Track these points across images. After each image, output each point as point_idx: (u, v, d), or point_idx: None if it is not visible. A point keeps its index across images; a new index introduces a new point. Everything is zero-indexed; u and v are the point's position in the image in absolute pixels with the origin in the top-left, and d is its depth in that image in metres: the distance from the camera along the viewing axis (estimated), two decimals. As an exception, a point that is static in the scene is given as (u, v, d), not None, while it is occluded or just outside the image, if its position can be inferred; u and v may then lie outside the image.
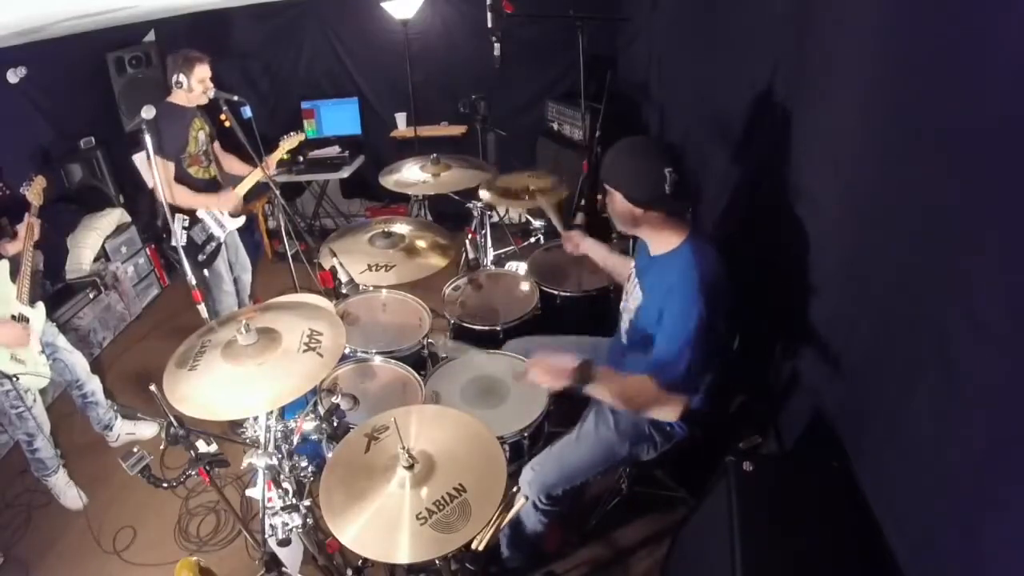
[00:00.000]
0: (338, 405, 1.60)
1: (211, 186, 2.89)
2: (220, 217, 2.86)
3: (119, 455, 1.36)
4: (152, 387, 1.31)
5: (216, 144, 2.97)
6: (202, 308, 2.31)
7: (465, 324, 2.26)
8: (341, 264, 2.04)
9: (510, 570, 1.95)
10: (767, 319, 1.89)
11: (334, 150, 4.31)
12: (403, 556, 1.19)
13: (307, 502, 1.55)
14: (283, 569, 1.66)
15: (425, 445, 1.39)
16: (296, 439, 1.57)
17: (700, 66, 2.53)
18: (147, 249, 3.86)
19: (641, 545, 2.11)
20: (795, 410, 1.73)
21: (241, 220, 2.99)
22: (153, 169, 2.22)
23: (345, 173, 4.19)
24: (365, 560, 1.82)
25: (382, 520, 1.25)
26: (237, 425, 1.78)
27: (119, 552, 2.26)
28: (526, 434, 1.78)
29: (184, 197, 2.70)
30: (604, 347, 1.91)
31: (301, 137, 3.04)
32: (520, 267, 2.65)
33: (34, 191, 2.36)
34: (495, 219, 3.74)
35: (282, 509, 1.49)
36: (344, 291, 2.10)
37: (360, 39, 4.21)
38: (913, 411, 1.14)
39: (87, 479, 2.53)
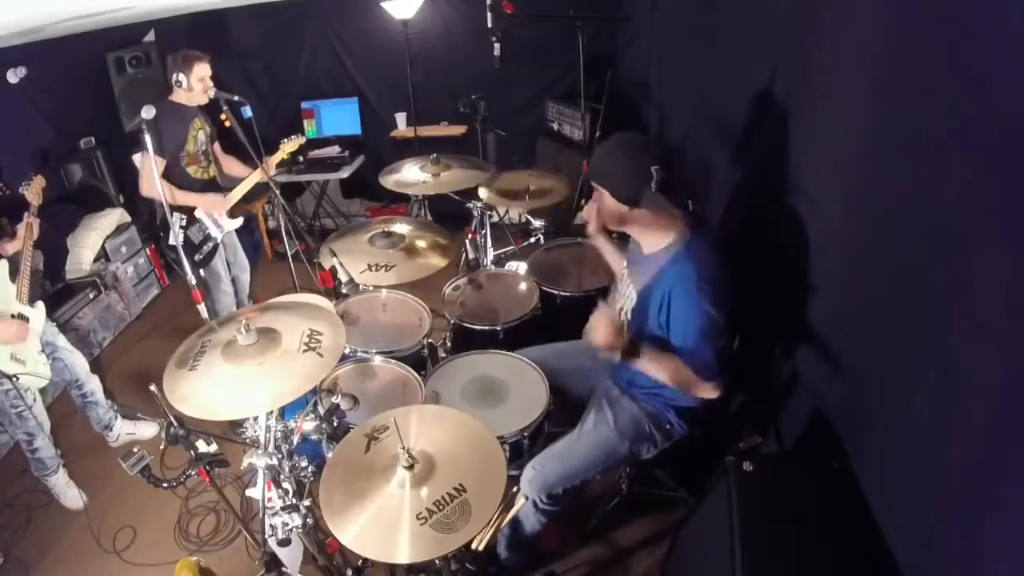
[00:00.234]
0: (338, 405, 1.59)
1: (209, 187, 2.89)
2: (217, 217, 2.87)
3: (119, 455, 1.36)
4: (152, 387, 1.31)
5: (216, 145, 2.97)
6: (202, 308, 2.30)
7: (465, 324, 2.26)
8: (341, 264, 2.03)
9: (509, 570, 1.95)
10: (767, 319, 1.89)
11: (334, 150, 4.30)
12: (403, 556, 1.19)
13: (307, 502, 1.55)
14: (283, 569, 1.66)
15: (425, 445, 1.38)
16: (296, 439, 1.57)
17: (700, 66, 2.53)
18: (147, 249, 3.86)
19: (641, 545, 2.11)
20: (795, 410, 1.73)
21: (239, 221, 2.99)
22: (153, 169, 2.22)
23: (345, 173, 4.19)
24: (365, 560, 1.82)
25: (382, 520, 1.25)
26: (237, 425, 1.78)
27: (119, 552, 2.26)
28: (526, 434, 1.77)
29: (171, 194, 2.66)
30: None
31: (301, 140, 3.04)
32: (520, 267, 2.64)
33: (33, 191, 2.36)
34: (495, 219, 3.74)
35: (282, 509, 1.49)
36: (344, 291, 2.09)
37: (360, 39, 4.20)
38: (913, 411, 1.14)
39: (87, 479, 2.53)
